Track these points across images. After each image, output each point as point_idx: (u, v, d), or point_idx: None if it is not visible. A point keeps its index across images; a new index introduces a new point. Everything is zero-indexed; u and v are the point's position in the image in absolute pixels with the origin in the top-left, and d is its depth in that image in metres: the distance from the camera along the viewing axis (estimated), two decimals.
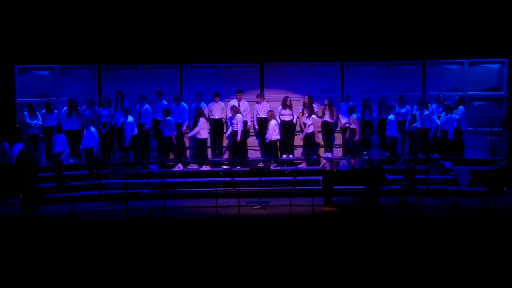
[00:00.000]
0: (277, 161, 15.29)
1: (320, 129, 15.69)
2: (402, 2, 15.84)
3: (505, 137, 15.50)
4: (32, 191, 13.09)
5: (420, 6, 15.79)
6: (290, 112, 15.68)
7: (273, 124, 15.24)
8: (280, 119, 15.68)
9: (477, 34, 15.60)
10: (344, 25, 15.96)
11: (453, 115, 14.95)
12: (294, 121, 15.83)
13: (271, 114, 15.41)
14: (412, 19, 15.82)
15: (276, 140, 15.28)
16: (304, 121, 15.47)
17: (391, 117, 15.21)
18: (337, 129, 16.08)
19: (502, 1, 15.48)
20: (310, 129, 15.36)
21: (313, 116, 15.39)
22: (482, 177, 13.88)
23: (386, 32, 15.95)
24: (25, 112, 15.24)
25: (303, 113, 15.71)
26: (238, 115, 15.21)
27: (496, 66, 15.80)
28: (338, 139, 16.13)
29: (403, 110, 15.51)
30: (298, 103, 15.96)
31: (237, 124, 15.16)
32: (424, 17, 15.81)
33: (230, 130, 15.40)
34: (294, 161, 15.64)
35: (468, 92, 15.86)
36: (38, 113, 15.28)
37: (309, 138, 15.44)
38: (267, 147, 15.64)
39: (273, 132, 15.21)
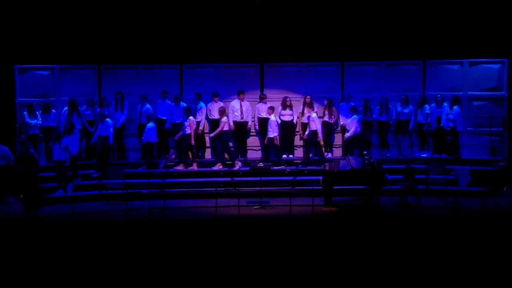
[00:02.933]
0: (150, 164, 15.09)
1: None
2: (402, 2, 15.85)
3: (505, 137, 15.49)
4: (32, 191, 13.10)
5: (420, 6, 15.79)
6: (290, 112, 15.69)
7: (149, 126, 15.05)
8: (280, 119, 15.70)
9: (477, 34, 15.61)
10: (344, 25, 15.96)
11: (356, 116, 15.26)
12: (295, 121, 15.83)
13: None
14: (412, 19, 15.83)
15: (153, 143, 15.17)
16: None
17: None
18: (337, 129, 16.10)
19: (502, 1, 15.48)
20: (187, 131, 15.13)
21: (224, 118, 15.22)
22: (482, 177, 13.86)
23: (386, 32, 15.96)
24: (25, 112, 15.24)
25: (303, 113, 15.73)
26: (106, 119, 15.00)
27: (496, 66, 15.79)
28: (338, 139, 16.14)
29: (406, 110, 15.61)
30: (298, 103, 15.97)
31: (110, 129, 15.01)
32: (424, 17, 15.81)
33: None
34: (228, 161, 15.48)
35: (468, 92, 15.87)
36: (37, 113, 15.29)
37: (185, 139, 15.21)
38: (144, 149, 15.33)
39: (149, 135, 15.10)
